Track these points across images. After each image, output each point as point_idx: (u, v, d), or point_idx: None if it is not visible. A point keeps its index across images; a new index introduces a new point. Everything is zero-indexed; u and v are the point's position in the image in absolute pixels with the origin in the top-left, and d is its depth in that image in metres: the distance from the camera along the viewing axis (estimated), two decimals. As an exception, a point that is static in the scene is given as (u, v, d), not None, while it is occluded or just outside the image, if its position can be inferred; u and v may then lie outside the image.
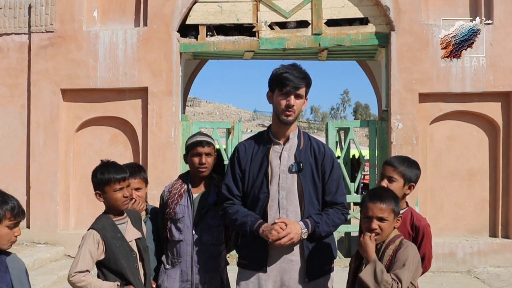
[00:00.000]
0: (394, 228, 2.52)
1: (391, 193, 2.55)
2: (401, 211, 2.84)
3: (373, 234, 2.44)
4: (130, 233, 2.76)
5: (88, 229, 2.68)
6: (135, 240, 2.77)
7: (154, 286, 2.97)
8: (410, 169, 2.83)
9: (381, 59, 7.82)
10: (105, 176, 2.69)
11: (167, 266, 3.03)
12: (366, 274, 2.33)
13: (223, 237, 3.05)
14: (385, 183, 2.79)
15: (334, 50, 7.79)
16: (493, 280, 6.25)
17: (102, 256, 2.65)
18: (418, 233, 2.78)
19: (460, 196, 7.19)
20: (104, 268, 2.68)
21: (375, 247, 2.44)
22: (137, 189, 3.08)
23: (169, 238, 3.04)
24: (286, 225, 2.57)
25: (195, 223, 2.98)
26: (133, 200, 2.95)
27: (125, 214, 2.80)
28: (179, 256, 2.99)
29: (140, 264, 2.76)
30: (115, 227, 2.70)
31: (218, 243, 3.01)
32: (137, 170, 3.17)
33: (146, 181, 3.24)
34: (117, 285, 2.62)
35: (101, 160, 2.80)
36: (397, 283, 2.30)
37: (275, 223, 2.60)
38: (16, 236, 2.32)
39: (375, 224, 2.44)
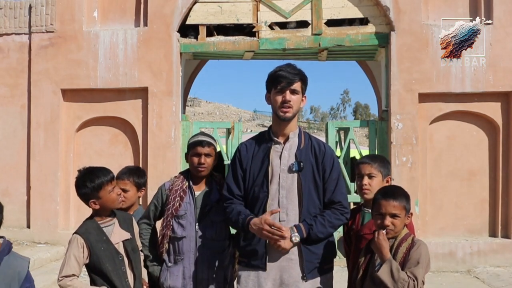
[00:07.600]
0: (405, 226, 2.58)
1: (402, 191, 2.61)
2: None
3: (384, 231, 2.50)
4: (117, 235, 2.77)
5: (73, 234, 2.70)
6: (123, 242, 2.77)
7: (145, 286, 2.94)
8: (383, 163, 2.95)
9: (381, 59, 7.82)
10: (96, 182, 2.67)
11: (169, 264, 3.04)
12: (383, 273, 2.42)
13: (227, 232, 3.08)
14: (366, 180, 2.87)
15: (334, 50, 7.80)
16: (493, 280, 6.26)
17: (88, 260, 2.67)
18: None
19: (460, 196, 7.19)
20: (91, 272, 2.71)
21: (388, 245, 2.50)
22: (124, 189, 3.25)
23: (171, 235, 3.04)
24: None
25: (198, 219, 3.01)
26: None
27: (113, 216, 2.81)
28: (181, 253, 3.01)
29: (129, 266, 2.76)
30: (100, 230, 2.72)
31: (221, 238, 3.04)
32: (136, 172, 3.39)
33: (138, 185, 3.36)
34: None
35: (79, 170, 2.77)
36: (413, 280, 2.40)
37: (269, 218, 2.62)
38: None
39: (388, 221, 2.50)
